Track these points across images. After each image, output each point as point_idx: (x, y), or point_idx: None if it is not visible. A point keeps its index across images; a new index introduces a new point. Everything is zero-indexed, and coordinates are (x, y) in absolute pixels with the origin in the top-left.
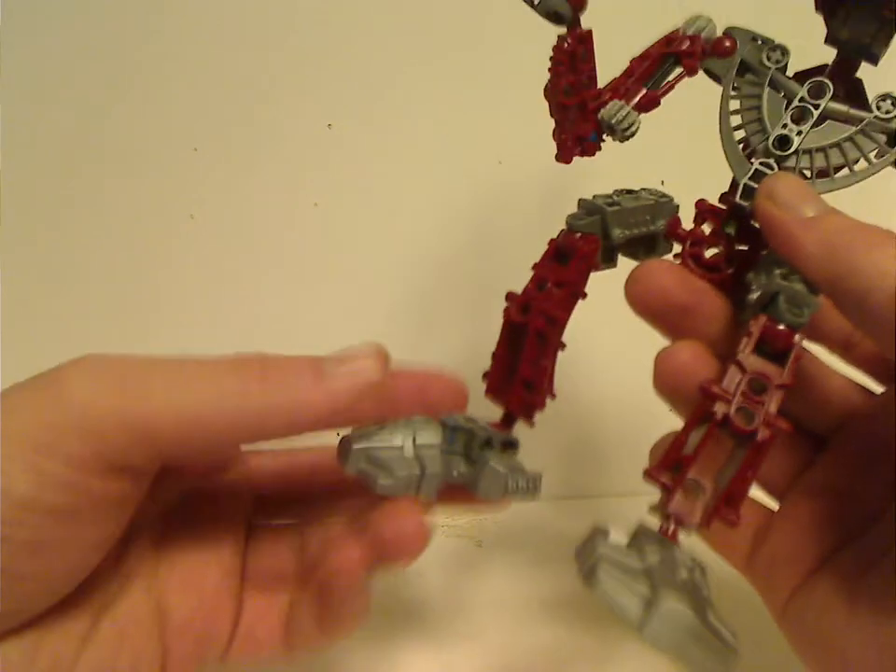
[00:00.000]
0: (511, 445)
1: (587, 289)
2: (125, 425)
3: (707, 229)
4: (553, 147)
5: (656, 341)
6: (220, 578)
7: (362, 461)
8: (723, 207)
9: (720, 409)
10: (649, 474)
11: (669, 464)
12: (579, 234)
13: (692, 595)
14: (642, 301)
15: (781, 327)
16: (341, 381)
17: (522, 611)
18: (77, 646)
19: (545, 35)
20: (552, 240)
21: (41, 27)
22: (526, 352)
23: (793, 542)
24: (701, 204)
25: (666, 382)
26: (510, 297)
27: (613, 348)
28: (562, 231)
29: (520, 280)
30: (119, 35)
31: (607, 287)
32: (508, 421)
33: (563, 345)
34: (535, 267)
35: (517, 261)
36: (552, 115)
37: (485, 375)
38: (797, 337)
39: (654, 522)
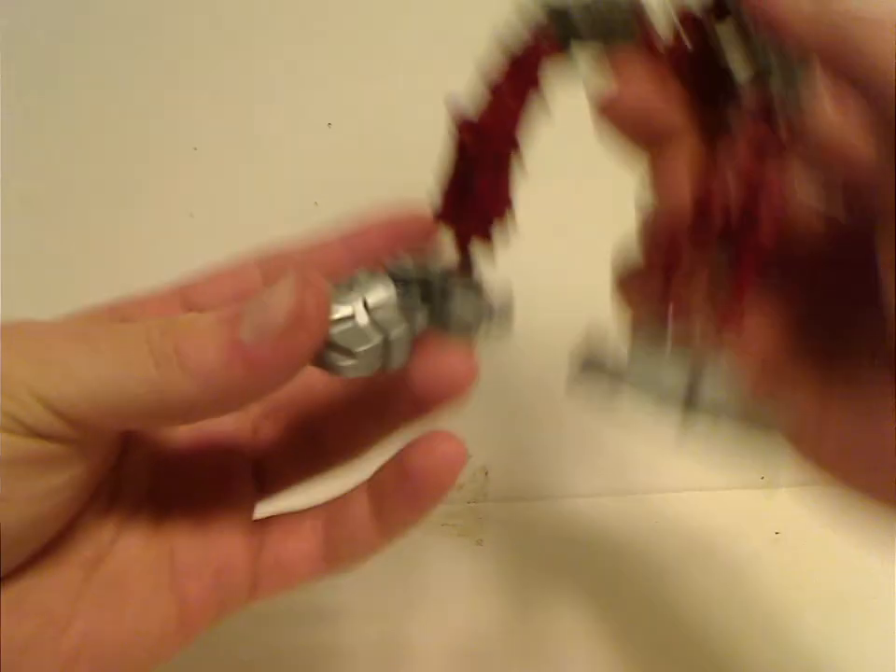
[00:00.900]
0: (473, 277)
1: None
2: (39, 399)
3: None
4: None
5: None
6: (227, 511)
7: (324, 351)
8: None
9: (718, 219)
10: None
11: (663, 291)
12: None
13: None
14: (620, 122)
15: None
16: (257, 346)
17: (522, 611)
18: (70, 600)
19: None
20: (509, 55)
21: (41, 26)
22: (486, 182)
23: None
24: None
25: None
26: (461, 123)
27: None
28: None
29: None
30: (119, 34)
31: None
32: (464, 246)
33: (518, 175)
34: (490, 84)
35: None
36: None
37: (434, 212)
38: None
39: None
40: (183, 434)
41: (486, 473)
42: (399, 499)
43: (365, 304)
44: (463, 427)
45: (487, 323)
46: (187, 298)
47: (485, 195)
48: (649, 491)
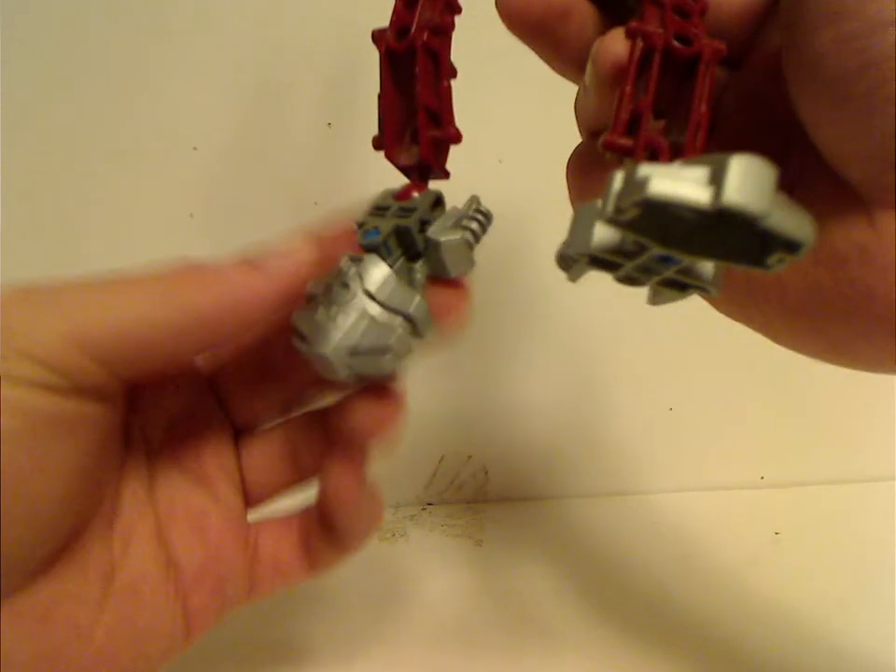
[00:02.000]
0: (438, 203)
1: None
2: (66, 342)
3: None
4: None
5: (654, 340)
6: (224, 518)
7: (347, 362)
8: None
9: (658, 39)
10: (607, 143)
11: (623, 125)
12: None
13: None
14: (522, 13)
15: None
16: (276, 268)
17: (521, 611)
18: (92, 610)
19: None
20: None
21: (41, 25)
22: (421, 78)
23: None
24: None
25: (613, 68)
26: (378, 33)
27: (610, 350)
28: None
29: None
30: (119, 33)
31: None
32: (421, 177)
33: (453, 70)
34: None
35: None
36: None
37: (375, 139)
38: None
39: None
40: (160, 426)
41: (486, 473)
42: (325, 543)
43: (368, 293)
44: (463, 426)
45: (477, 240)
46: None
47: (427, 98)
48: (649, 491)
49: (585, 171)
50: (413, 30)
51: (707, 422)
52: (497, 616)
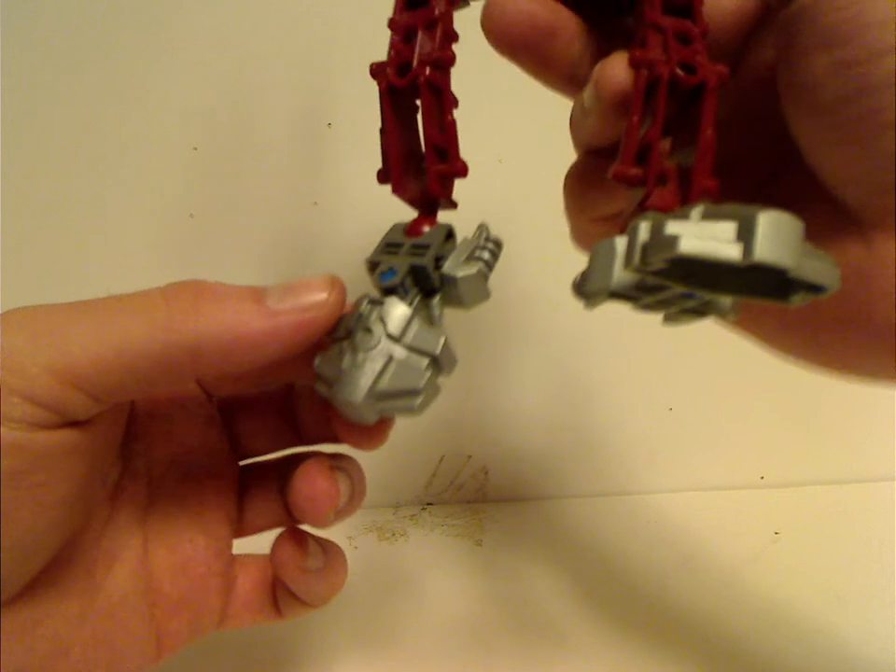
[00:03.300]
0: (449, 236)
1: None
2: (53, 376)
3: None
4: None
5: (653, 340)
6: (210, 552)
7: (376, 408)
8: None
9: (664, 69)
10: (617, 174)
11: (632, 156)
12: None
13: None
14: (508, 32)
15: None
16: (286, 315)
17: (521, 611)
18: (72, 628)
19: None
20: None
21: (40, 25)
22: (426, 115)
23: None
24: None
25: (616, 95)
26: (377, 67)
27: (610, 351)
28: None
29: None
30: (119, 33)
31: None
32: (429, 210)
33: (455, 100)
34: (391, 23)
35: None
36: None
37: (380, 174)
38: None
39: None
40: (161, 453)
41: (486, 473)
42: (290, 597)
43: (392, 337)
44: (463, 426)
45: (491, 268)
46: None
47: (433, 134)
48: (649, 491)
49: (583, 188)
50: (414, 65)
51: (707, 422)
52: (496, 616)
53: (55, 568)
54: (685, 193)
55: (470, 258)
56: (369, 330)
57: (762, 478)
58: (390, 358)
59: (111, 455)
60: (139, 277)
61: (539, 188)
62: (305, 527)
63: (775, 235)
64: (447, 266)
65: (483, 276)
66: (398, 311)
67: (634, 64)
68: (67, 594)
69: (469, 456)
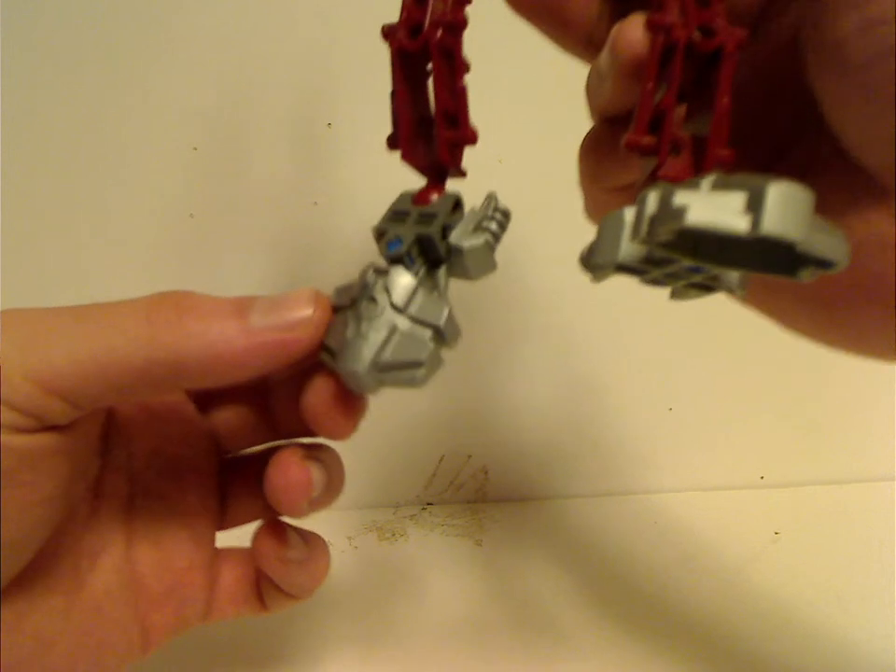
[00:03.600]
0: (457, 206)
1: None
2: (33, 383)
3: None
4: None
5: (653, 340)
6: (194, 550)
7: (378, 378)
8: None
9: (681, 33)
10: (629, 143)
11: (646, 124)
12: None
13: None
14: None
15: None
16: (268, 333)
17: (521, 611)
18: (57, 623)
19: None
20: None
21: (40, 25)
22: (437, 79)
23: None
24: None
25: (633, 59)
26: (389, 29)
27: (610, 350)
28: None
29: None
30: (119, 33)
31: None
32: (438, 178)
33: (467, 66)
34: None
35: None
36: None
37: (389, 139)
38: None
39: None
40: (143, 448)
41: (486, 473)
42: (273, 590)
43: (396, 307)
44: (463, 426)
45: (497, 240)
46: None
47: (444, 99)
48: (649, 491)
49: (598, 157)
50: (425, 27)
51: (707, 422)
52: (496, 616)
53: (39, 564)
54: (699, 162)
55: (478, 228)
56: (373, 300)
57: (762, 478)
58: (394, 329)
59: (91, 451)
60: (139, 277)
61: (540, 187)
62: (288, 519)
63: (784, 207)
64: (454, 236)
65: (490, 247)
66: (403, 281)
67: (650, 28)
68: (52, 589)
69: (469, 456)
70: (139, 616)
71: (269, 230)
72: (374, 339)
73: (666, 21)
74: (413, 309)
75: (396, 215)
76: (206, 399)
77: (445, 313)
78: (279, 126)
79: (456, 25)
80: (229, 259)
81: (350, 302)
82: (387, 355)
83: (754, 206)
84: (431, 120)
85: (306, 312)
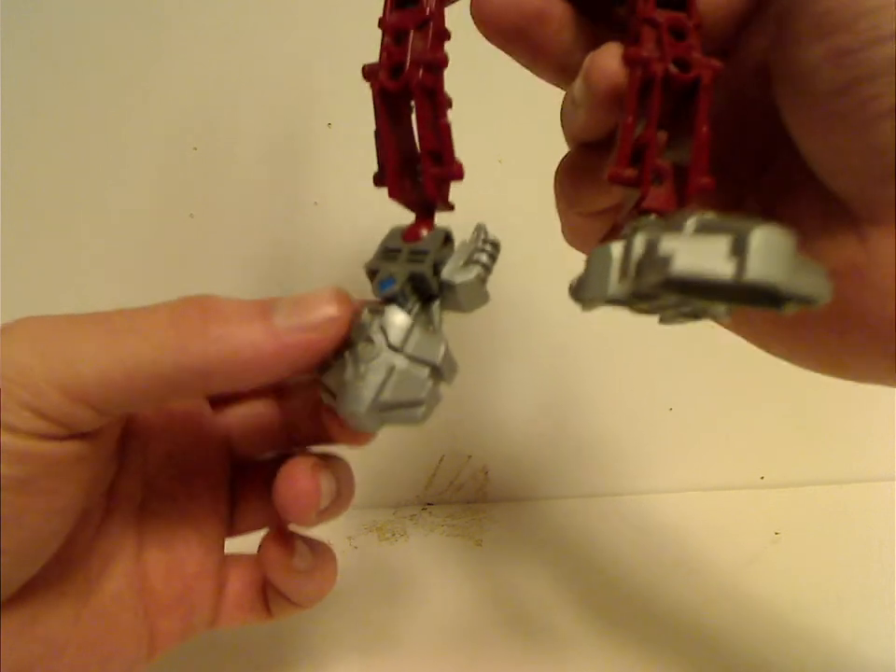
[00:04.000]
0: (447, 240)
1: None
2: (61, 392)
3: None
4: None
5: (653, 340)
6: (203, 556)
7: (379, 418)
8: None
9: (658, 67)
10: (612, 176)
11: (627, 157)
12: None
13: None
14: (498, 17)
15: None
16: (294, 335)
17: (521, 612)
18: (66, 628)
19: None
20: None
21: (40, 25)
22: (420, 119)
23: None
24: None
25: (607, 90)
26: (369, 69)
27: (611, 350)
28: None
29: None
30: (119, 33)
31: None
32: (426, 214)
33: (449, 101)
34: (381, 23)
35: None
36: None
37: (376, 177)
38: None
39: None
40: (159, 455)
41: (486, 473)
42: (279, 598)
43: (393, 347)
44: (463, 426)
45: (488, 272)
46: None
47: (428, 139)
48: (649, 491)
49: (575, 182)
50: (406, 67)
51: (707, 422)
52: (496, 616)
53: (52, 570)
54: (681, 190)
55: (469, 262)
56: (370, 340)
57: (762, 478)
58: (392, 369)
59: (110, 455)
60: (139, 277)
61: (540, 187)
62: (294, 528)
63: (767, 253)
64: (446, 271)
65: (482, 280)
66: (398, 320)
67: (627, 62)
68: (63, 594)
69: (469, 456)
70: (147, 622)
71: (269, 230)
72: (373, 380)
73: (643, 55)
74: (409, 348)
75: (387, 252)
76: (222, 399)
77: (442, 350)
78: (279, 126)
79: (437, 64)
80: (229, 260)
81: (347, 343)
82: (387, 395)
83: (739, 251)
84: (416, 156)
85: (330, 310)
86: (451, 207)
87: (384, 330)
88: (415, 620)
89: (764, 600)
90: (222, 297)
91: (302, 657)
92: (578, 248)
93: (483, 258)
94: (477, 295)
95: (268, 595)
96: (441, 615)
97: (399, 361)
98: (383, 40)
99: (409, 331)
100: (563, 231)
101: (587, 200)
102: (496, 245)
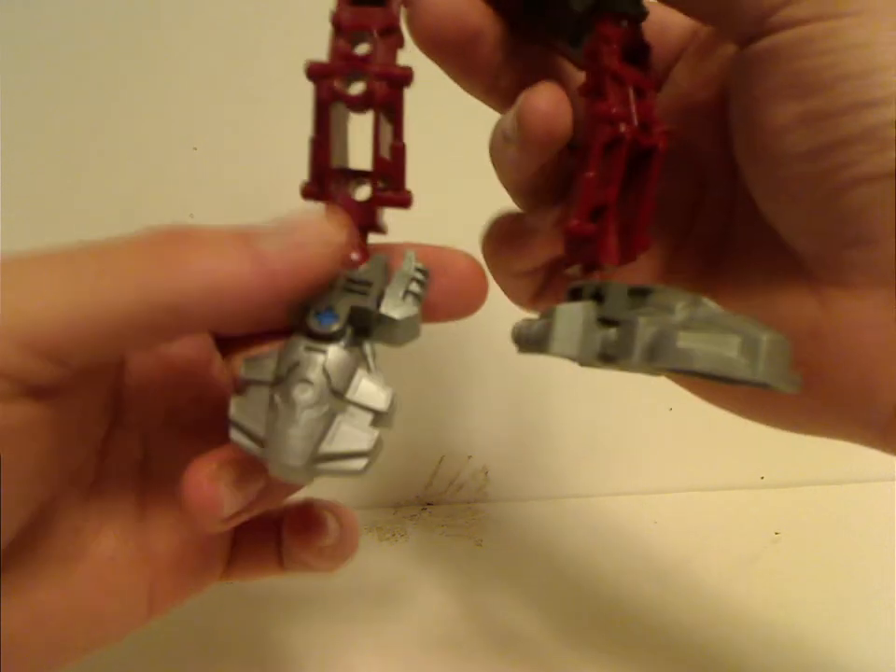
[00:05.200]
0: (385, 270)
1: None
2: (9, 341)
3: None
4: None
5: None
6: None
7: (314, 469)
8: None
9: (628, 129)
10: (573, 230)
11: (588, 212)
12: None
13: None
14: (435, 31)
15: (625, 24)
16: (279, 256)
17: (521, 612)
18: (55, 593)
19: None
20: None
21: (40, 25)
22: (377, 139)
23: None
24: None
25: (541, 131)
26: (317, 70)
27: None
28: None
29: None
30: (118, 33)
31: None
32: (362, 234)
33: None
34: (334, 19)
35: None
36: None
37: (307, 189)
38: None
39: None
40: (182, 407)
41: (486, 473)
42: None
43: (336, 392)
44: (464, 427)
45: (417, 304)
46: None
47: (381, 157)
48: (649, 491)
49: (503, 245)
50: (368, 80)
51: (707, 422)
52: (496, 616)
53: (33, 534)
54: (625, 245)
55: (406, 293)
56: (307, 382)
57: (762, 478)
58: (333, 417)
59: (95, 411)
60: None
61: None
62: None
63: (773, 356)
64: (386, 306)
65: (420, 315)
66: (341, 361)
67: (598, 118)
68: (48, 558)
69: (469, 456)
70: (146, 583)
71: None
72: (312, 429)
73: (613, 113)
74: (354, 394)
75: (324, 301)
76: (232, 340)
77: (389, 396)
78: (279, 126)
79: (404, 80)
80: None
81: (273, 378)
82: (327, 447)
83: (749, 353)
84: (350, 172)
85: (324, 228)
86: (384, 232)
87: (326, 373)
88: (415, 619)
89: (764, 600)
90: (199, 225)
91: (301, 657)
92: (516, 304)
93: (417, 289)
94: (414, 329)
95: (284, 555)
96: (441, 615)
97: (342, 408)
98: (335, 41)
99: (354, 375)
100: (502, 289)
101: (513, 263)
102: (426, 274)
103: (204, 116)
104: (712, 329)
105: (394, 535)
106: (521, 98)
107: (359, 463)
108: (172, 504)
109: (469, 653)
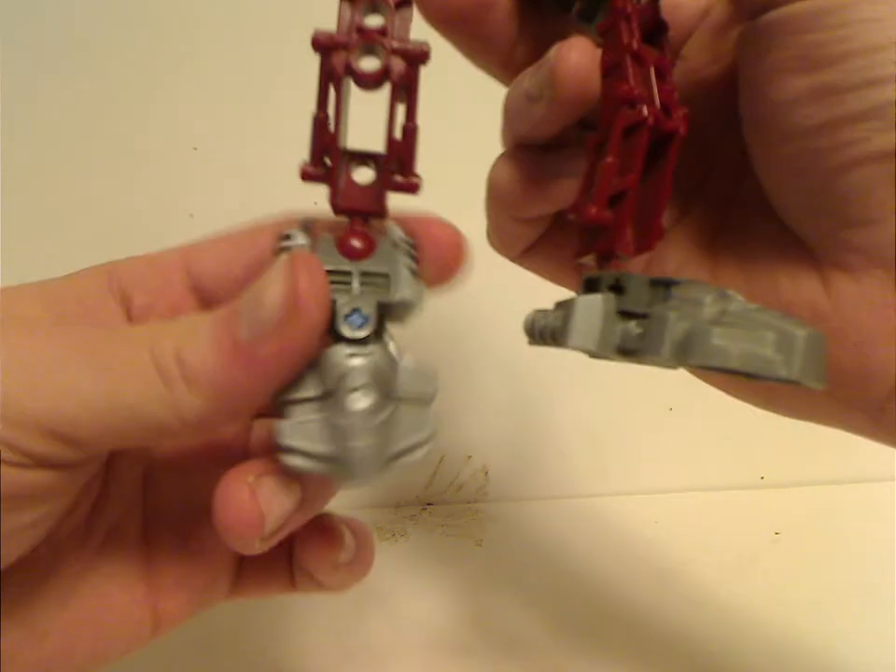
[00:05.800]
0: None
1: None
2: (40, 430)
3: None
4: None
5: None
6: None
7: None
8: None
9: (651, 113)
10: (592, 216)
11: (606, 199)
12: None
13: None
14: (442, 3)
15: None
16: (264, 346)
17: (522, 612)
18: (53, 612)
19: None
20: None
21: (41, 25)
22: (392, 119)
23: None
24: None
25: (575, 86)
26: (326, 42)
27: None
28: None
29: None
30: (119, 33)
31: None
32: (362, 221)
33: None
34: None
35: None
36: None
37: (307, 171)
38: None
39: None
40: (182, 446)
41: (486, 473)
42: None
43: (390, 394)
44: (464, 427)
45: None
46: (190, 263)
47: (395, 142)
48: (648, 491)
49: (518, 188)
50: (385, 56)
51: (707, 422)
52: (496, 616)
53: (34, 555)
54: (641, 233)
55: (409, 272)
56: (361, 389)
57: (762, 478)
58: (394, 416)
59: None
60: None
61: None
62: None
63: (809, 354)
64: (401, 290)
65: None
66: (384, 360)
67: (619, 101)
68: (51, 576)
69: (470, 456)
70: (150, 602)
71: None
72: (380, 436)
73: (642, 95)
74: (403, 386)
75: (332, 274)
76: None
77: (433, 375)
78: (280, 126)
79: (422, 57)
80: None
81: (322, 393)
82: (395, 446)
83: (785, 350)
84: (355, 154)
85: (285, 292)
86: (386, 216)
87: (375, 376)
88: (415, 620)
89: (764, 600)
90: (193, 318)
91: (301, 657)
92: (503, 254)
93: (413, 264)
94: (420, 305)
95: (295, 572)
96: (441, 615)
97: (399, 408)
98: (344, 9)
99: (400, 372)
100: (489, 234)
101: (528, 206)
102: (413, 245)
103: (204, 116)
104: (745, 324)
105: (394, 535)
106: (552, 51)
107: (422, 451)
108: (175, 522)
109: (469, 653)
